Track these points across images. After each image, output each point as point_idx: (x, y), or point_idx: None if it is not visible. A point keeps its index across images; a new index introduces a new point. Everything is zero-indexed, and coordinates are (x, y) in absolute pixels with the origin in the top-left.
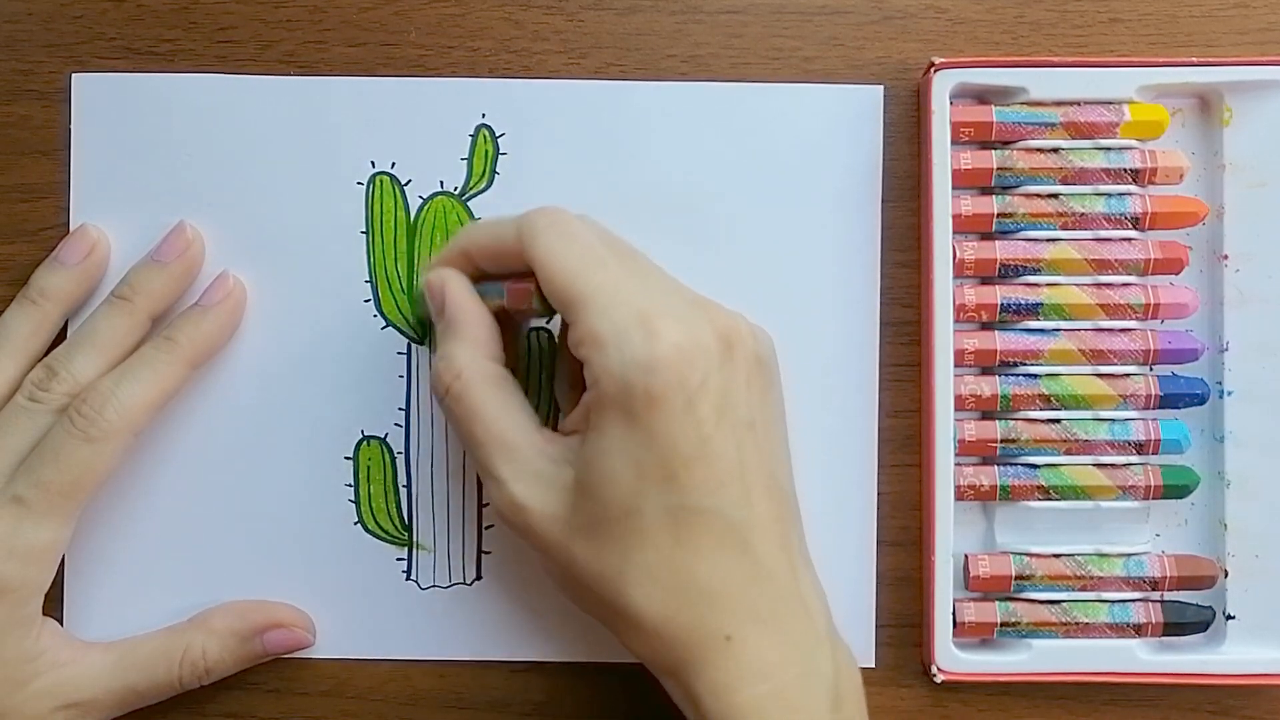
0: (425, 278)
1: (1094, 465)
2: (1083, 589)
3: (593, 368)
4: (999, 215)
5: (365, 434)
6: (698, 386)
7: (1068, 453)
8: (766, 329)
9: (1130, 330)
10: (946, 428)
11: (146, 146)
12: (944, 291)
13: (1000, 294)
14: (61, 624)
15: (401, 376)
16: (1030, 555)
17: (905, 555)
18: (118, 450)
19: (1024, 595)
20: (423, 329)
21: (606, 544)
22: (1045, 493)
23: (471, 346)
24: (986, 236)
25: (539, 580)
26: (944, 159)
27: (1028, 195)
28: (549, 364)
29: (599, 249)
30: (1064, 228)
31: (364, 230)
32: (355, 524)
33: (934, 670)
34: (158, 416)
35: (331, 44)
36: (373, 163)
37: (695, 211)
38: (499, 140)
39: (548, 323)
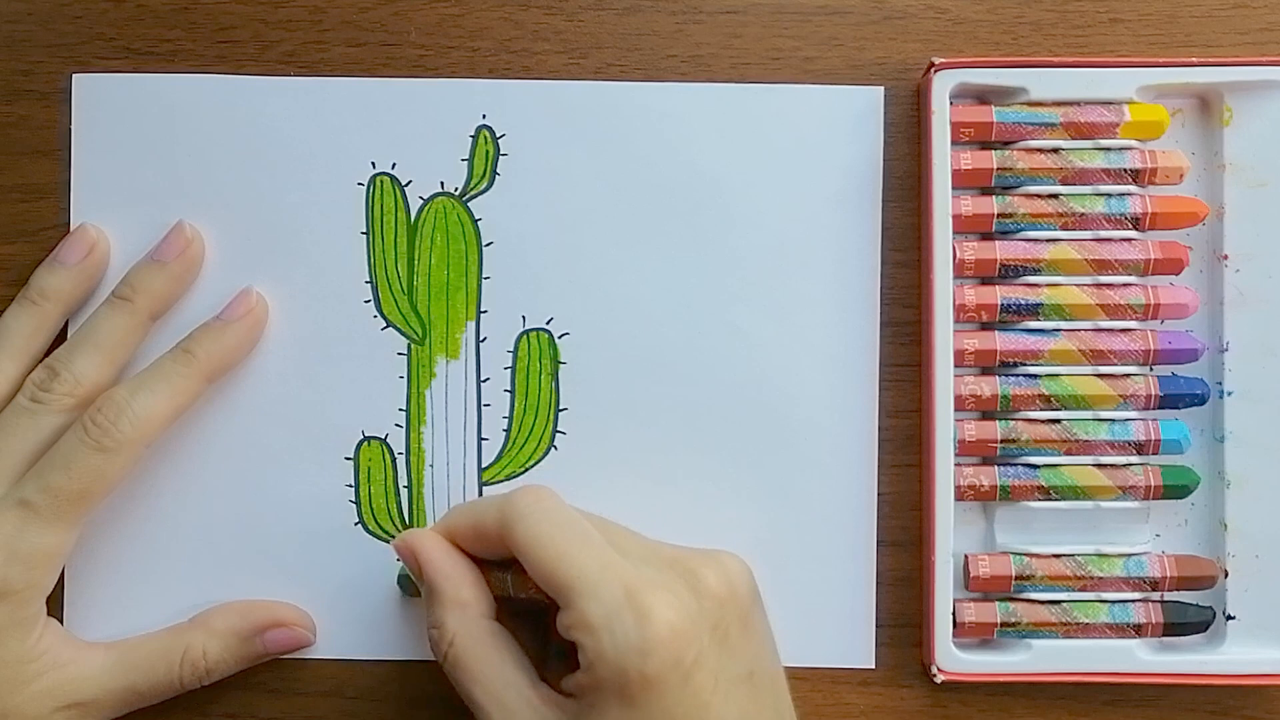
0: (393, 544)
1: (1094, 465)
2: (1083, 589)
3: (586, 652)
4: (999, 215)
5: (365, 434)
6: (693, 661)
7: (1068, 453)
8: (766, 328)
9: (1130, 330)
10: (946, 428)
11: (146, 146)
12: (944, 291)
13: (1000, 294)
14: (62, 624)
15: (401, 377)
16: (1030, 555)
17: (905, 555)
18: (129, 461)
19: (1024, 595)
20: (409, 581)
21: None
22: (1045, 493)
23: (458, 609)
24: (986, 236)
25: None
26: (944, 159)
27: (1028, 195)
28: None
29: (582, 525)
30: (1064, 228)
31: (364, 231)
32: (356, 524)
33: (934, 670)
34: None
35: (331, 44)
36: (373, 163)
37: (696, 212)
38: (499, 141)
39: None
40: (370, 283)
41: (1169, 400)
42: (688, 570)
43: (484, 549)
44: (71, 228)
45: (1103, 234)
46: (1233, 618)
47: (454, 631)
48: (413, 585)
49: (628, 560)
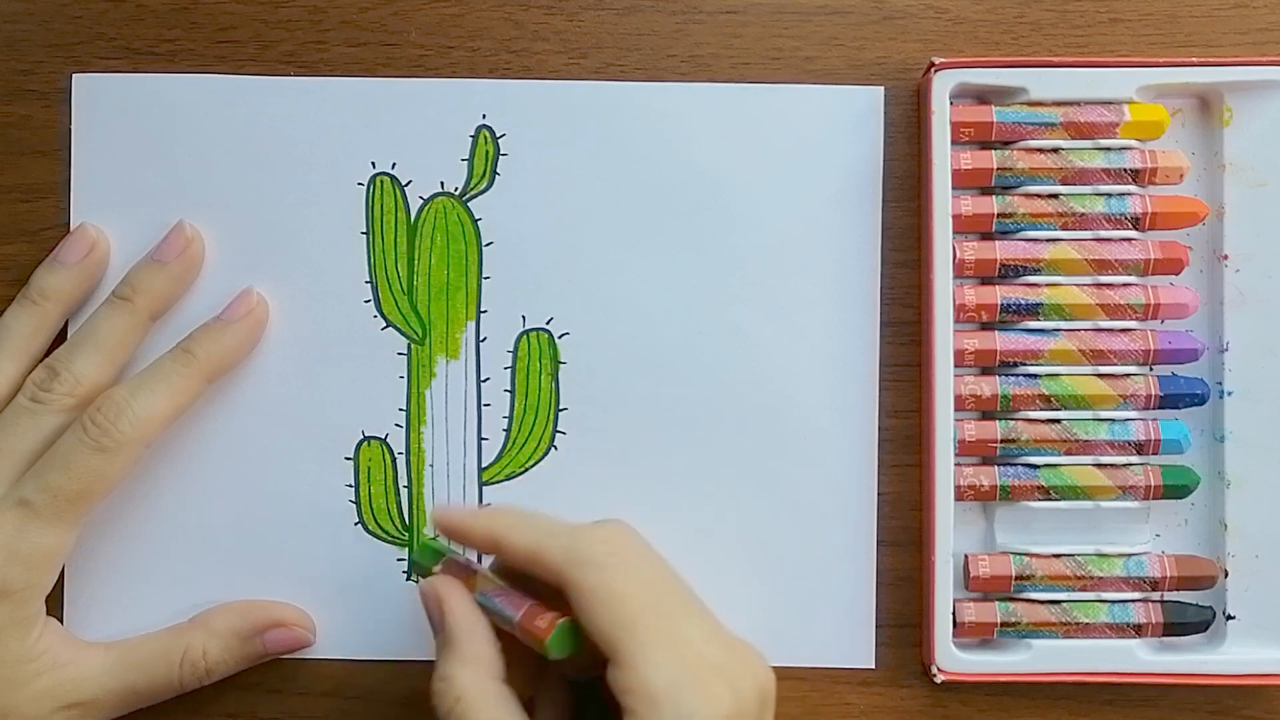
0: (420, 586)
1: (1094, 465)
2: (1083, 589)
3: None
4: (999, 215)
5: (365, 434)
6: None
7: (1068, 453)
8: (766, 328)
9: (1130, 330)
10: (946, 428)
11: (146, 146)
12: (944, 291)
13: (1000, 294)
14: (62, 624)
15: (401, 377)
16: (1030, 555)
17: (905, 555)
18: (128, 461)
19: (1024, 595)
20: (424, 555)
21: None
22: (1045, 493)
23: (472, 666)
24: (986, 236)
25: None
26: (944, 159)
27: (1028, 195)
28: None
29: (656, 586)
30: (1064, 228)
31: (364, 230)
32: (356, 524)
33: (934, 670)
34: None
35: (331, 44)
36: (373, 163)
37: (696, 212)
38: (500, 140)
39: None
40: (370, 283)
41: (1169, 400)
42: (741, 662)
43: (529, 570)
44: (71, 228)
45: (1103, 234)
46: (1233, 618)
47: (463, 688)
48: (422, 569)
49: (696, 635)
